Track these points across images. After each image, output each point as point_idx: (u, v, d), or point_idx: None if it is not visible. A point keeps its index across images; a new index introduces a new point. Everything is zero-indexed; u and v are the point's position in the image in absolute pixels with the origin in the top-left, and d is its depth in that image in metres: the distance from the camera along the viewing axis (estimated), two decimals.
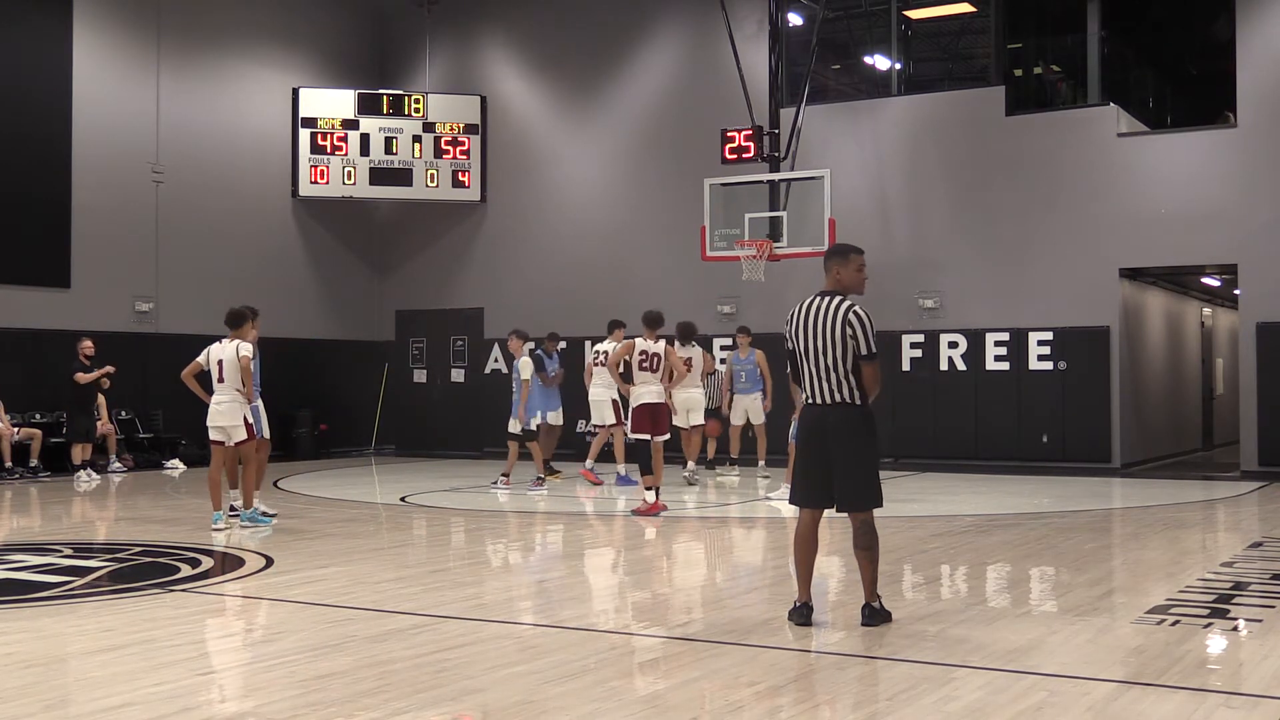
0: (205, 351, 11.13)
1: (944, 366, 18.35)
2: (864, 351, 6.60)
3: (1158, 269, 18.34)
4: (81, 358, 16.69)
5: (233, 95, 20.47)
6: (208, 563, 9.06)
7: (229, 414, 10.92)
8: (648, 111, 20.67)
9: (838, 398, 6.59)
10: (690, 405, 15.44)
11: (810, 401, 6.68)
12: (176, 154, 19.48)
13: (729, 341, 19.58)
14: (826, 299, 6.68)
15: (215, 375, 10.99)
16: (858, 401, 6.63)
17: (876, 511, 6.70)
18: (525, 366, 14.66)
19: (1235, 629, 6.59)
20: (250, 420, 11.07)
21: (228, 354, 10.95)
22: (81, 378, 16.46)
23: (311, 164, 21.14)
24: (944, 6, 20.74)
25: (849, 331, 6.57)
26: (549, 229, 21.39)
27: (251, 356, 11.06)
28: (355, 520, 12.11)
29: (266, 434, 12.05)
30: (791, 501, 6.81)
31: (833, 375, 6.58)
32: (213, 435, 11.04)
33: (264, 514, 11.32)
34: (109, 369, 16.74)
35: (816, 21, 18.68)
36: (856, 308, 6.65)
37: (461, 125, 21.69)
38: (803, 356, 6.66)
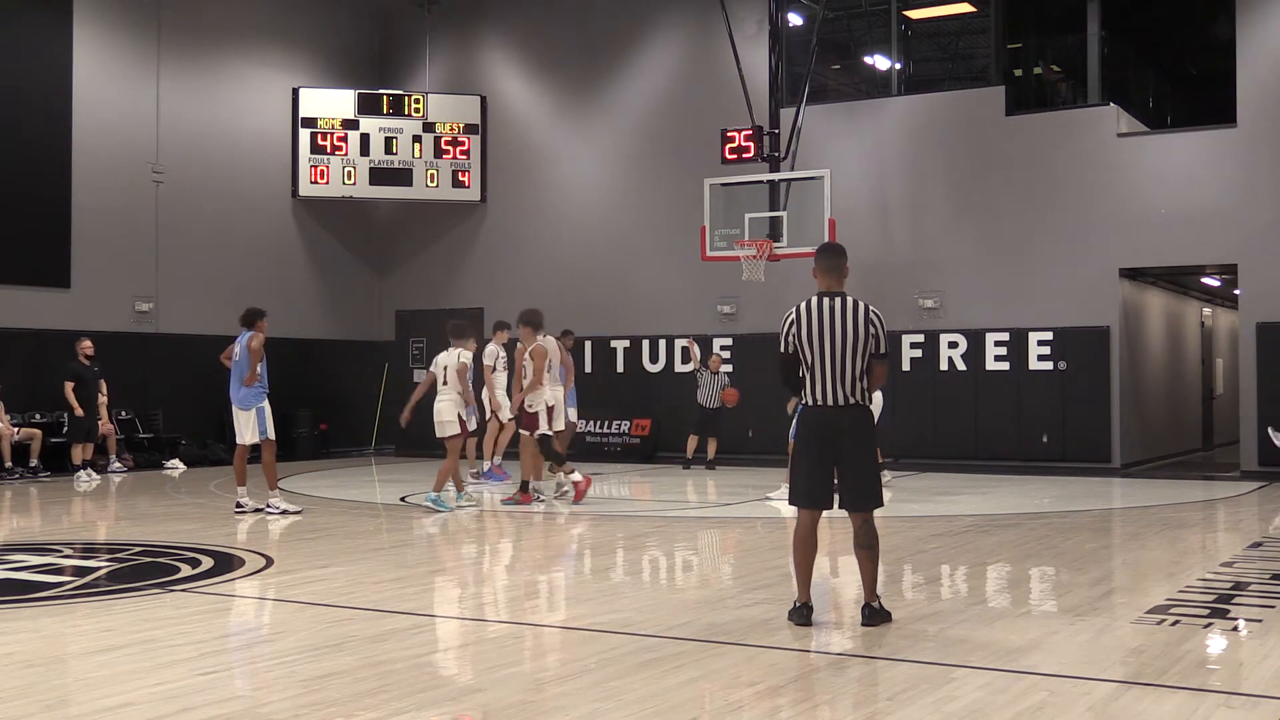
0: (434, 361, 12.95)
1: (944, 366, 18.35)
2: (882, 351, 6.62)
3: (1158, 269, 18.34)
4: (81, 358, 16.70)
5: (233, 95, 20.48)
6: (208, 563, 9.06)
7: (446, 411, 12.64)
8: (648, 111, 20.68)
9: (852, 399, 6.59)
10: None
11: (817, 403, 6.64)
12: (176, 154, 19.49)
13: (729, 342, 19.61)
14: (839, 299, 6.65)
15: (441, 379, 12.74)
16: (865, 402, 6.65)
17: (877, 511, 6.71)
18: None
19: (1235, 629, 6.59)
20: (464, 418, 12.81)
21: (451, 361, 12.71)
22: (68, 394, 16.40)
23: (311, 164, 21.15)
24: (944, 6, 20.75)
25: (872, 331, 6.58)
26: (549, 229, 21.40)
27: (469, 365, 12.81)
28: (355, 520, 12.12)
29: (271, 434, 12.15)
30: (792, 502, 6.80)
31: (848, 376, 6.56)
32: (437, 431, 12.69)
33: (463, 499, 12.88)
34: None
35: (816, 21, 18.69)
36: (874, 307, 6.67)
37: (461, 125, 21.70)
38: (815, 358, 6.60)
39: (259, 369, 12.02)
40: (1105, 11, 19.16)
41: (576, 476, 13.08)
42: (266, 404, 12.15)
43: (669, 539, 10.86)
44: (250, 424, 12.08)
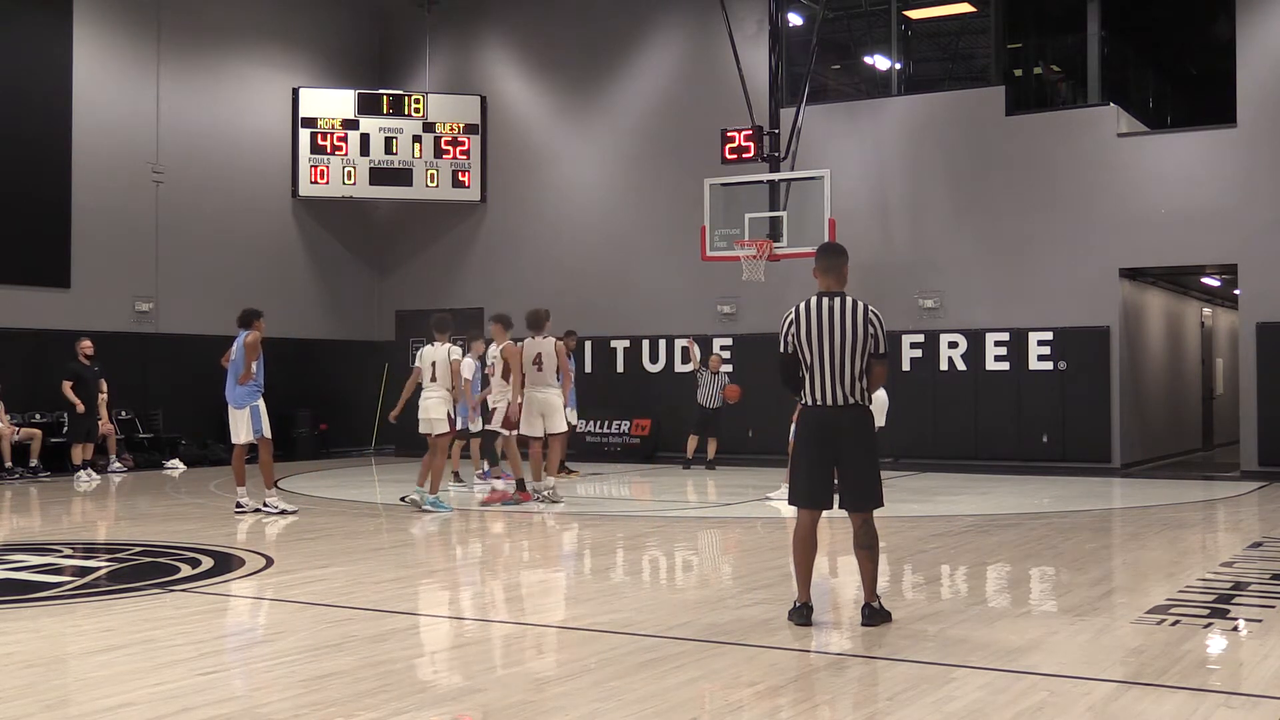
0: (418, 356, 12.53)
1: (944, 366, 18.35)
2: (881, 351, 6.62)
3: (1158, 269, 18.34)
4: (81, 357, 16.68)
5: (233, 95, 20.48)
6: (208, 563, 9.06)
7: (434, 408, 12.28)
8: (648, 111, 20.68)
9: (851, 399, 6.59)
10: (545, 409, 13.16)
11: (817, 403, 6.64)
12: (176, 154, 19.49)
13: (729, 342, 19.60)
14: (839, 299, 6.65)
15: (429, 375, 12.32)
16: (865, 402, 6.65)
17: (877, 511, 6.71)
18: (467, 367, 14.94)
19: (1235, 629, 6.59)
20: (453, 415, 12.41)
21: (440, 356, 12.31)
22: (68, 392, 16.38)
23: (311, 164, 21.15)
24: (944, 6, 20.75)
25: (871, 331, 6.58)
26: (549, 229, 21.40)
27: (461, 360, 12.39)
28: (355, 520, 12.11)
29: (268, 433, 12.15)
30: (791, 502, 6.80)
31: (847, 376, 6.56)
32: (421, 428, 12.37)
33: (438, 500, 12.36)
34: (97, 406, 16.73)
35: (816, 21, 18.69)
36: (873, 307, 6.67)
37: (461, 125, 21.70)
38: (815, 358, 6.60)
39: (254, 367, 12.02)
40: (1105, 11, 19.16)
41: (499, 484, 12.97)
42: (261, 403, 12.14)
43: (669, 539, 10.85)
44: (245, 423, 12.07)
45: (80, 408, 16.43)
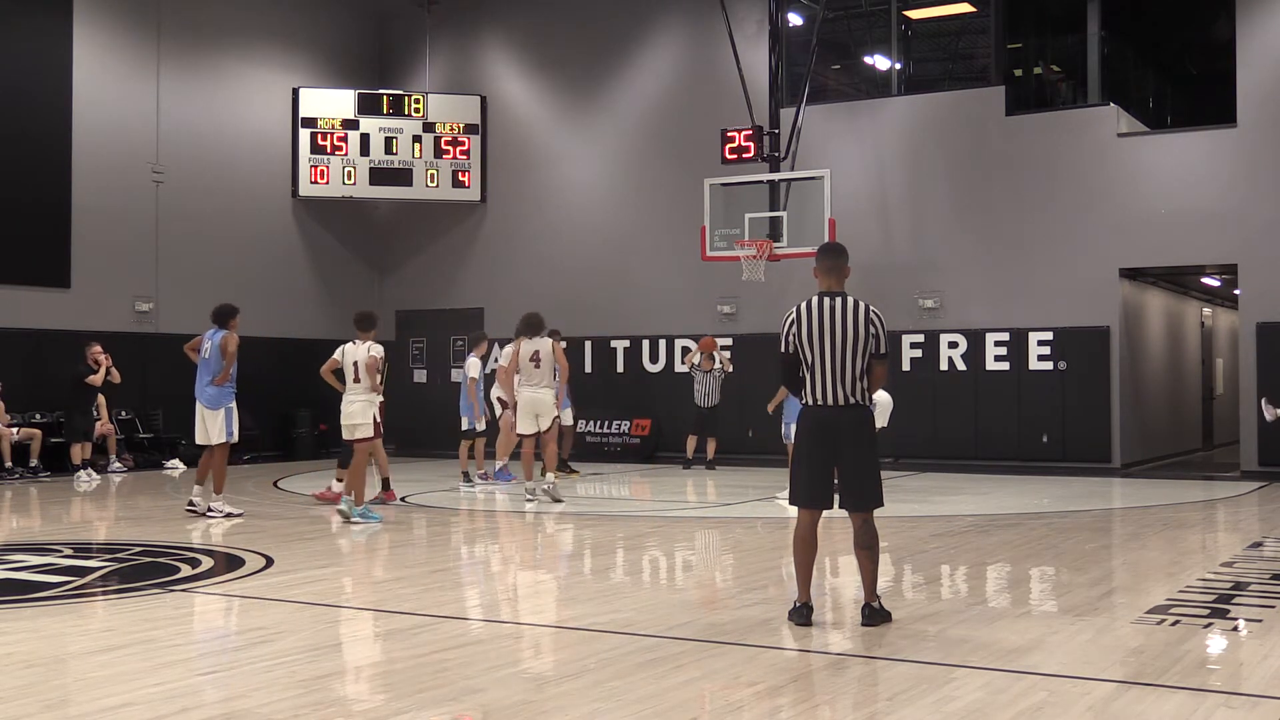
0: (340, 350, 11.89)
1: (944, 366, 18.35)
2: (882, 351, 6.63)
3: (1158, 269, 18.34)
4: (90, 362, 16.62)
5: (233, 95, 20.47)
6: (208, 563, 9.07)
7: (360, 413, 11.55)
8: (648, 111, 20.67)
9: (852, 399, 6.59)
10: (538, 408, 13.22)
11: (817, 403, 6.65)
12: (176, 154, 19.48)
13: (729, 342, 19.61)
14: (839, 299, 6.65)
15: (351, 376, 11.63)
16: (866, 402, 6.65)
17: (877, 511, 6.71)
18: (472, 366, 15.21)
19: (1235, 629, 6.59)
20: (378, 420, 11.66)
21: (360, 355, 11.61)
22: (93, 380, 16.42)
23: (311, 164, 21.14)
24: (944, 6, 20.74)
25: (872, 331, 6.58)
26: (549, 229, 21.40)
27: (380, 357, 11.67)
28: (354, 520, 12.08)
29: (236, 437, 12.07)
30: (792, 502, 6.80)
31: (848, 376, 6.57)
32: (344, 434, 11.76)
33: (367, 512, 11.46)
34: (110, 366, 16.66)
35: (816, 21, 18.69)
36: (874, 307, 6.67)
37: (461, 125, 21.70)
38: (815, 358, 6.61)
39: (231, 370, 11.95)
40: (1105, 11, 19.16)
41: (336, 485, 12.82)
42: (234, 404, 12.03)
43: (669, 539, 10.85)
44: (218, 424, 11.91)
45: (100, 372, 16.37)
